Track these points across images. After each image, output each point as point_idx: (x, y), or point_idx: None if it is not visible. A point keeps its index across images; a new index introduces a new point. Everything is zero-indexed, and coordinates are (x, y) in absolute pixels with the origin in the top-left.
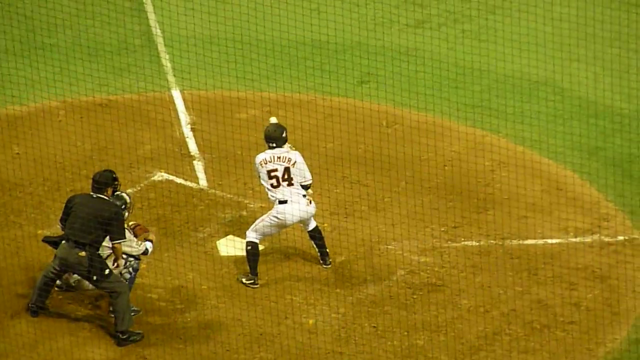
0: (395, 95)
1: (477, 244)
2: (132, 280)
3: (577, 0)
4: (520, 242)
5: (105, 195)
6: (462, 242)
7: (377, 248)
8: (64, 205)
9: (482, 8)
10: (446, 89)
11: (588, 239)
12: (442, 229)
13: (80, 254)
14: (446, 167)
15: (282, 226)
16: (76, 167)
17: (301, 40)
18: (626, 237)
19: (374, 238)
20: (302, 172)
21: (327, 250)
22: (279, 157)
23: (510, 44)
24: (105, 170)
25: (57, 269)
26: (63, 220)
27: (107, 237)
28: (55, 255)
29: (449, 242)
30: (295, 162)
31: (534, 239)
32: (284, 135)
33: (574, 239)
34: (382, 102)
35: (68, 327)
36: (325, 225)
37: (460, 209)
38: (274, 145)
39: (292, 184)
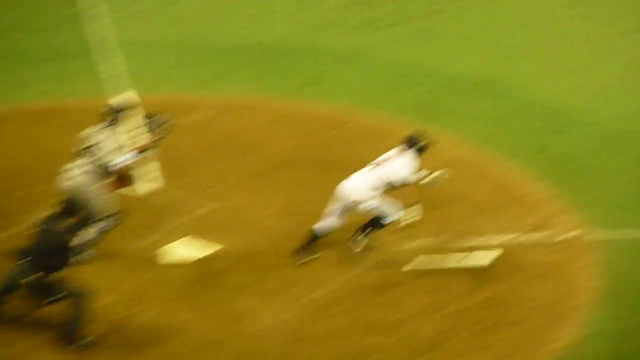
0: (343, 97)
1: (428, 243)
2: (94, 240)
3: (519, 1)
4: (470, 241)
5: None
6: (413, 242)
7: (328, 249)
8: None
9: (427, 9)
10: (393, 90)
11: (536, 237)
12: (393, 229)
13: (31, 278)
14: None
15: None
16: (17, 174)
17: (248, 43)
18: (573, 235)
19: (324, 240)
20: None
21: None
22: None
23: (457, 44)
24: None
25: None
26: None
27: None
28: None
29: (400, 242)
30: None
31: (483, 237)
32: None
33: (522, 237)
34: (329, 104)
35: (22, 332)
36: (276, 227)
37: None
38: None
39: None
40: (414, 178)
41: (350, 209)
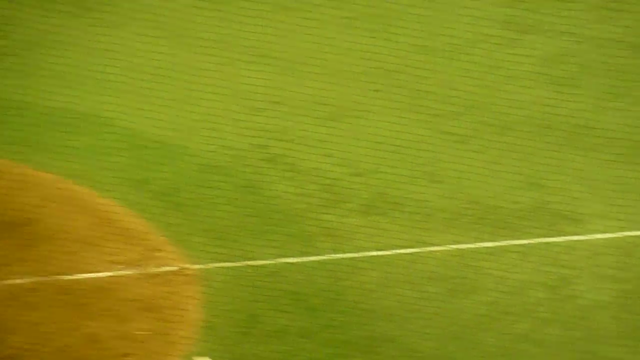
0: None
1: (26, 281)
2: None
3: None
4: (70, 277)
5: None
6: (11, 280)
7: None
8: None
9: (20, 44)
10: None
11: (138, 271)
12: None
13: None
14: None
15: None
16: None
17: None
18: (175, 267)
19: None
20: None
21: None
22: None
23: (53, 79)
24: None
25: None
26: None
27: None
28: None
29: (7, 277)
30: None
31: (83, 273)
32: None
33: (124, 272)
34: None
35: None
36: None
37: (7, 246)
38: None
39: None
40: None
41: None
